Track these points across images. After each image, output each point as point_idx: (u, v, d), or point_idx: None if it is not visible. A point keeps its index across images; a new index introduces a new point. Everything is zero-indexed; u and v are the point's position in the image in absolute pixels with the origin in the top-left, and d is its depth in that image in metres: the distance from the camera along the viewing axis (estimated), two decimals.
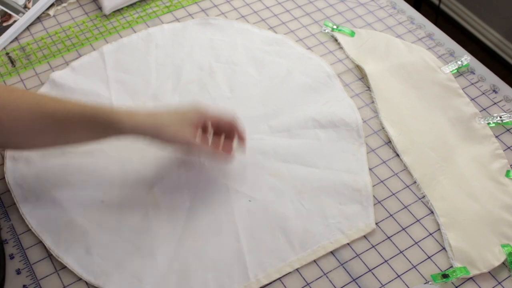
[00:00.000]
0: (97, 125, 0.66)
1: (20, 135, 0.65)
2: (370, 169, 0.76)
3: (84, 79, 0.86)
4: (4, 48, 0.93)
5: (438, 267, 0.67)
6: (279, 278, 0.66)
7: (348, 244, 0.69)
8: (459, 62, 0.88)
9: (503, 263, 0.67)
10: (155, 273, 0.66)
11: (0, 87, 0.66)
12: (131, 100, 0.83)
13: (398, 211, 0.72)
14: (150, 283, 0.65)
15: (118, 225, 0.70)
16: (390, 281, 0.66)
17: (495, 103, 0.84)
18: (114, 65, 0.88)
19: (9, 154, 0.76)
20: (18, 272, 0.67)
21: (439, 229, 0.70)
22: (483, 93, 0.85)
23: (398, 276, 0.67)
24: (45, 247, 0.69)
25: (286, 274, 0.67)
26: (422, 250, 0.69)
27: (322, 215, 0.71)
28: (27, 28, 0.95)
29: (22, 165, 0.75)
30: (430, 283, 0.66)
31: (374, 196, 0.73)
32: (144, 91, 0.84)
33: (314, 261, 0.68)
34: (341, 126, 0.80)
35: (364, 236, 0.70)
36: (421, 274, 0.67)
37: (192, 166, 0.75)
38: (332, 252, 0.69)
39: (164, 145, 0.69)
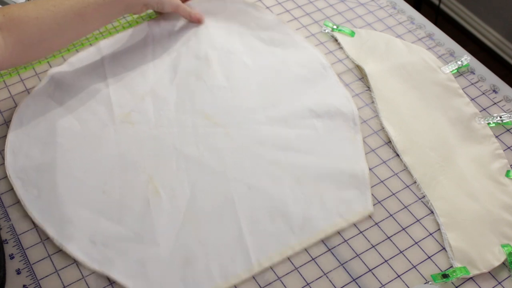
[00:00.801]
0: (112, 5, 0.79)
1: (48, 39, 0.77)
2: (370, 169, 0.76)
3: (82, 75, 0.86)
4: None
5: (438, 267, 0.67)
6: (279, 277, 0.67)
7: (348, 244, 0.69)
8: (459, 62, 0.88)
9: (503, 263, 0.67)
10: (159, 260, 0.66)
11: (11, 7, 0.75)
12: (129, 95, 0.84)
13: (398, 211, 0.72)
14: (154, 269, 0.66)
15: (120, 214, 0.71)
16: (390, 281, 0.66)
17: (495, 103, 0.84)
18: (112, 60, 0.88)
19: (9, 148, 0.77)
20: (18, 272, 0.67)
21: (439, 229, 0.70)
22: (483, 93, 0.85)
23: (398, 276, 0.67)
24: (45, 247, 0.69)
25: (287, 274, 0.67)
26: (422, 250, 0.69)
27: (320, 200, 0.72)
28: None
29: (22, 158, 0.76)
30: (430, 283, 0.66)
31: (374, 196, 0.74)
32: (142, 85, 0.85)
33: (314, 261, 0.68)
34: (337, 116, 0.81)
35: (365, 236, 0.70)
36: (421, 274, 0.67)
37: (191, 157, 0.76)
38: (332, 252, 0.69)
39: (162, 7, 0.87)
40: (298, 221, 0.70)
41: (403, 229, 0.71)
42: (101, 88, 0.84)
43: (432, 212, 0.72)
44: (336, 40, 0.93)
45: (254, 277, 0.67)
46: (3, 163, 0.76)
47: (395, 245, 0.69)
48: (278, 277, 0.67)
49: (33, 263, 0.68)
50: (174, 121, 0.81)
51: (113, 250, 0.68)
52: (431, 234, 0.70)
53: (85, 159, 0.76)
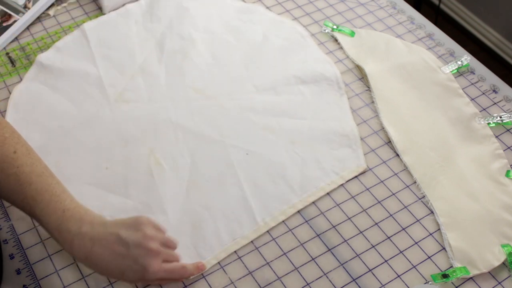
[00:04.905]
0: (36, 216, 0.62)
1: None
2: (370, 169, 0.76)
3: (70, 58, 0.88)
4: (4, 48, 0.93)
5: (438, 267, 0.67)
6: (279, 277, 0.67)
7: (348, 244, 0.69)
8: (459, 62, 0.88)
9: (503, 263, 0.67)
10: (168, 227, 0.67)
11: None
12: (119, 75, 0.86)
13: (398, 211, 0.72)
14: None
15: (125, 188, 0.74)
16: (390, 281, 0.66)
17: (495, 103, 0.84)
18: (98, 42, 0.91)
19: None
20: (18, 272, 0.67)
21: (439, 229, 0.70)
22: (483, 93, 0.85)
23: (398, 276, 0.67)
24: (45, 247, 0.69)
25: (287, 274, 0.67)
26: (422, 250, 0.69)
27: (316, 160, 0.76)
28: (27, 28, 0.95)
29: None
30: (430, 283, 0.66)
31: (374, 196, 0.74)
32: (131, 65, 0.88)
33: (314, 261, 0.68)
34: (321, 81, 0.85)
35: (365, 236, 0.70)
36: (421, 274, 0.67)
37: (188, 128, 0.79)
38: (332, 252, 0.69)
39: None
40: (297, 181, 0.74)
41: (403, 229, 0.71)
42: (91, 70, 0.86)
43: (432, 212, 0.72)
44: (336, 40, 0.93)
45: (254, 277, 0.67)
46: None
47: (395, 245, 0.69)
48: (278, 277, 0.67)
49: (33, 263, 0.68)
50: (167, 97, 0.83)
51: None
52: (431, 234, 0.70)
53: (85, 139, 0.78)
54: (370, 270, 0.67)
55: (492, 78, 0.87)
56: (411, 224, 0.71)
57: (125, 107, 0.82)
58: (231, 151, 0.77)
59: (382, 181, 0.75)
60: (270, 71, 0.87)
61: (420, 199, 0.74)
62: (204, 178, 0.75)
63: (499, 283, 0.66)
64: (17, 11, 0.95)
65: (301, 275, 0.67)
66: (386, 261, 0.68)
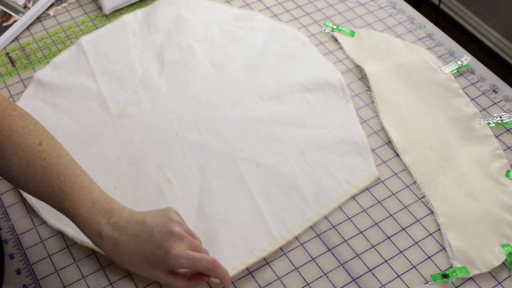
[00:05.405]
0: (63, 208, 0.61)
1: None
2: None
3: (68, 74, 0.86)
4: (4, 48, 0.93)
5: (438, 267, 0.67)
6: (279, 277, 0.67)
7: (348, 244, 0.69)
8: (459, 62, 0.88)
9: (503, 263, 0.67)
10: None
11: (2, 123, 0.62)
12: (120, 88, 0.84)
13: (398, 211, 0.72)
14: None
15: (136, 208, 0.69)
16: (390, 281, 0.66)
17: (495, 103, 0.84)
18: (96, 56, 0.89)
19: None
20: (18, 272, 0.67)
21: (439, 229, 0.70)
22: (483, 93, 0.85)
23: (398, 276, 0.67)
24: (45, 247, 0.69)
25: (287, 274, 0.67)
26: (422, 250, 0.69)
27: (327, 170, 0.75)
28: (27, 28, 0.95)
29: None
30: (430, 283, 0.66)
31: (374, 196, 0.74)
32: (131, 78, 0.86)
33: (314, 260, 0.68)
34: (326, 87, 0.84)
35: (365, 236, 0.70)
36: (421, 274, 0.67)
37: (194, 141, 0.78)
38: (332, 252, 0.69)
39: None
40: (309, 192, 0.73)
41: (403, 229, 0.71)
42: (91, 85, 0.84)
43: (432, 212, 0.72)
44: (336, 40, 0.93)
45: (254, 277, 0.67)
46: None
47: (395, 245, 0.69)
48: (278, 277, 0.67)
49: (33, 263, 0.68)
50: (170, 110, 0.81)
51: None
52: (431, 234, 0.70)
53: (89, 158, 0.75)
54: (370, 270, 0.67)
55: (492, 78, 0.87)
56: (411, 224, 0.71)
57: (129, 122, 0.80)
58: (241, 163, 0.75)
59: (382, 181, 0.75)
60: (273, 79, 0.85)
61: (420, 199, 0.74)
62: (215, 193, 0.73)
63: (499, 283, 0.66)
64: (17, 11, 0.95)
65: (301, 275, 0.67)
66: (386, 261, 0.68)
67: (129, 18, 0.94)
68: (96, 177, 0.72)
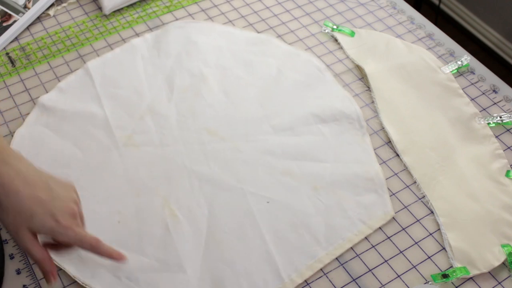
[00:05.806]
0: None
1: None
2: None
3: (74, 99, 0.83)
4: (4, 48, 0.93)
5: (438, 267, 0.67)
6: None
7: None
8: (459, 62, 0.88)
9: (503, 263, 0.67)
10: (189, 286, 0.64)
11: None
12: (127, 116, 0.81)
13: (398, 211, 0.72)
14: None
15: (140, 243, 0.68)
16: (390, 281, 0.66)
17: (495, 103, 0.84)
18: (103, 81, 0.85)
19: None
20: (18, 272, 0.67)
21: (439, 229, 0.70)
22: (483, 93, 0.85)
23: (398, 276, 0.67)
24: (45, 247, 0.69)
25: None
26: (422, 250, 0.69)
27: (341, 208, 0.71)
28: (27, 28, 0.96)
29: None
30: (430, 283, 0.66)
31: None
32: (139, 104, 0.82)
33: None
34: (341, 119, 0.80)
35: (365, 236, 0.70)
36: (421, 274, 0.67)
37: (203, 174, 0.74)
38: None
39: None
40: (322, 232, 0.69)
41: (403, 229, 0.71)
42: (97, 111, 0.81)
43: (432, 212, 0.72)
44: (336, 40, 0.93)
45: None
46: None
47: (395, 245, 0.69)
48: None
49: (33, 263, 0.68)
50: (179, 139, 0.78)
51: (139, 282, 0.65)
52: (431, 234, 0.70)
53: (93, 189, 0.73)
54: (370, 270, 0.67)
55: (492, 78, 0.87)
56: (411, 224, 0.71)
57: (135, 152, 0.76)
58: (250, 199, 0.72)
59: None
60: (287, 109, 0.81)
61: (420, 199, 0.74)
62: (223, 230, 0.69)
63: (499, 283, 0.66)
64: (17, 11, 0.95)
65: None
66: (386, 261, 0.68)
67: (138, 41, 0.91)
68: (99, 210, 0.70)
